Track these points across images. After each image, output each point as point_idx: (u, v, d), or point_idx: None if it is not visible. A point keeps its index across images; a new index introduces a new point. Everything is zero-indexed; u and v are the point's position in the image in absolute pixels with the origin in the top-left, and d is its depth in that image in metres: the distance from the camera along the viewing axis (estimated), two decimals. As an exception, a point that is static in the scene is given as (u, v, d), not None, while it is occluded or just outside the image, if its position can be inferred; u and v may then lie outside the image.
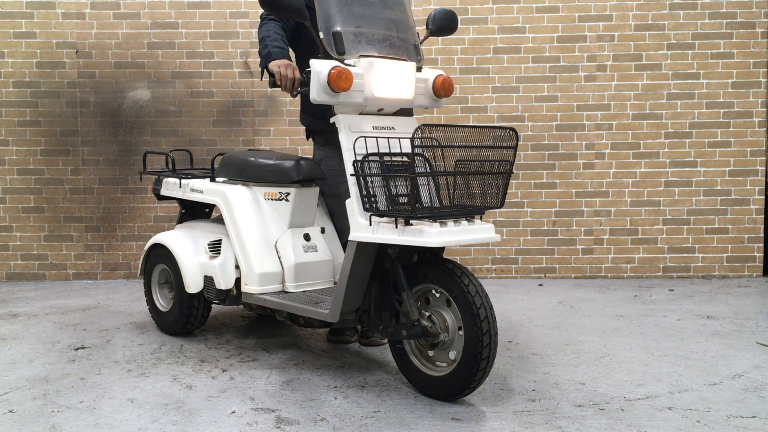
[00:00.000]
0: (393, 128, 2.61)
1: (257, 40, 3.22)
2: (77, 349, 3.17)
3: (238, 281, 3.04)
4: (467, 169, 2.35)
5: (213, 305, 3.98)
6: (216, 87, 4.84)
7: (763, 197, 4.79)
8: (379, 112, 2.64)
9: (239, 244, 3.00)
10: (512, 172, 2.42)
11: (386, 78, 2.51)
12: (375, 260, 2.52)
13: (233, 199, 3.06)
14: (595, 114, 4.78)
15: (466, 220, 2.37)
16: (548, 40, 4.77)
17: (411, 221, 2.30)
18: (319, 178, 3.07)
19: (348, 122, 2.51)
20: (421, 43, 2.76)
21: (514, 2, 4.75)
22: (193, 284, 3.14)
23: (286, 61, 2.74)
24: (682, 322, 3.57)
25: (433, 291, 2.47)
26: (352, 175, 2.45)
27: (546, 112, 4.80)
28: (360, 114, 2.58)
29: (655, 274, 4.83)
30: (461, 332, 2.36)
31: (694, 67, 4.75)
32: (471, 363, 2.30)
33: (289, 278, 2.96)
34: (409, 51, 2.70)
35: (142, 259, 3.48)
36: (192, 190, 3.31)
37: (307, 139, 3.33)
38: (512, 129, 2.35)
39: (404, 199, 2.44)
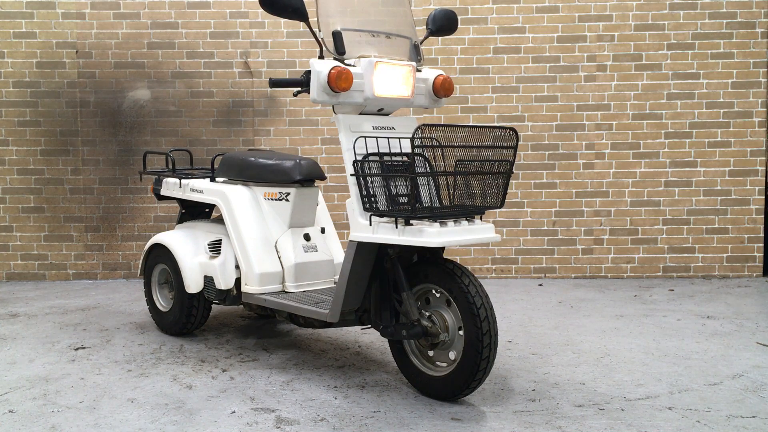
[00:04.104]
0: (393, 128, 2.61)
1: None
2: (77, 349, 3.17)
3: (238, 281, 3.04)
4: (467, 169, 2.35)
5: (213, 305, 3.98)
6: (216, 87, 4.84)
7: (763, 197, 4.78)
8: (379, 112, 2.64)
9: (239, 244, 3.00)
10: (512, 172, 2.42)
11: (386, 78, 2.51)
12: (375, 260, 2.52)
13: (233, 199, 3.06)
14: (595, 114, 4.78)
15: (466, 220, 2.37)
16: (548, 40, 4.77)
17: (411, 221, 2.30)
18: (319, 177, 3.07)
19: (348, 122, 2.51)
20: (421, 43, 2.76)
21: (514, 2, 4.76)
22: (193, 284, 3.14)
23: None
24: (682, 322, 3.57)
25: (433, 291, 2.47)
26: (352, 175, 2.45)
27: (546, 112, 4.80)
28: (360, 114, 2.58)
29: (655, 274, 4.83)
30: (461, 332, 2.36)
31: (694, 67, 4.75)
32: (471, 363, 2.30)
33: (289, 278, 2.96)
34: (409, 51, 2.70)
35: (142, 259, 3.48)
36: (192, 190, 3.31)
37: None
38: (512, 129, 2.35)
39: (404, 199, 2.44)
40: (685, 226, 4.81)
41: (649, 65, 4.76)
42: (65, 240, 4.90)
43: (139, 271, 3.52)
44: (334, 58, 2.49)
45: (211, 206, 3.66)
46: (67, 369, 2.86)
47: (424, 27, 2.82)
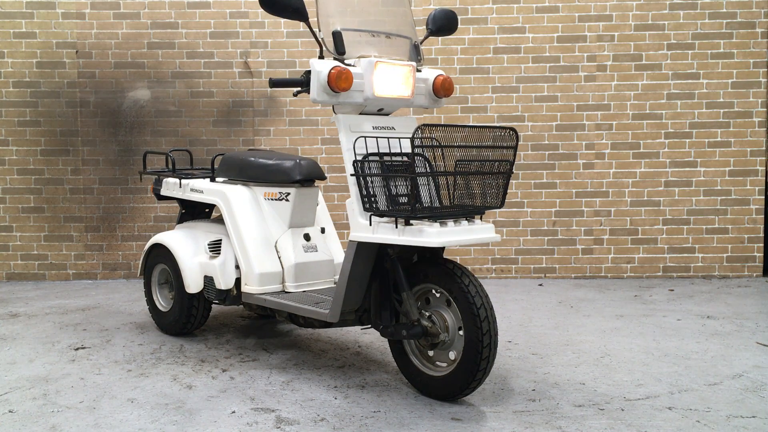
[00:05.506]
0: (393, 128, 2.62)
1: None
2: (77, 349, 3.17)
3: (238, 281, 3.04)
4: (467, 169, 2.35)
5: (213, 305, 3.98)
6: (216, 87, 4.84)
7: (763, 197, 4.79)
8: (379, 112, 2.64)
9: (239, 244, 3.00)
10: (512, 172, 2.43)
11: (386, 78, 2.51)
12: (375, 260, 2.52)
13: (233, 199, 3.06)
14: (595, 114, 4.78)
15: (466, 220, 2.37)
16: (548, 40, 4.77)
17: (411, 221, 2.30)
18: (319, 177, 3.07)
19: (348, 122, 2.51)
20: (421, 43, 2.76)
21: (514, 2, 4.76)
22: (193, 284, 3.14)
23: None
24: (682, 322, 3.57)
25: (433, 291, 2.47)
26: (352, 175, 2.45)
27: (546, 112, 4.80)
28: (360, 114, 2.58)
29: (655, 274, 4.83)
30: (461, 332, 2.36)
31: (694, 67, 4.75)
32: (471, 363, 2.30)
33: (289, 278, 2.96)
34: (409, 51, 2.70)
35: (142, 259, 3.48)
36: (192, 190, 3.31)
37: None
38: (512, 129, 2.36)
39: (404, 199, 2.44)
40: (685, 226, 4.81)
41: (649, 65, 4.76)
42: (65, 240, 4.90)
43: (139, 271, 3.52)
44: (334, 58, 2.49)
45: (211, 206, 3.66)
46: (67, 369, 2.86)
47: (424, 27, 2.83)
